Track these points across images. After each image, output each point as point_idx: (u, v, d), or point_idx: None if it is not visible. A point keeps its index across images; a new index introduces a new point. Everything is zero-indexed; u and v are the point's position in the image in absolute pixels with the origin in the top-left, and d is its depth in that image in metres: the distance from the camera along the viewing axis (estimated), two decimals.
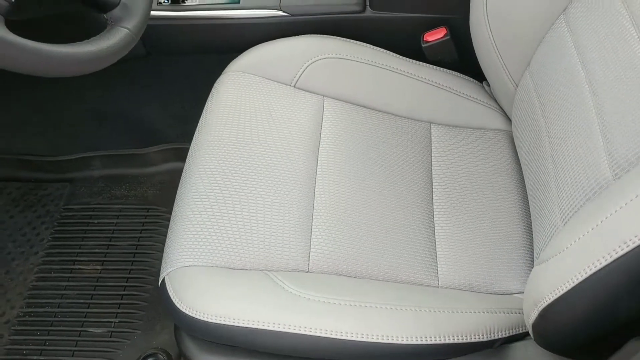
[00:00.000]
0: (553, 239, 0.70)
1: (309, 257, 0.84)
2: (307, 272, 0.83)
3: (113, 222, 1.24)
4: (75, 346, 1.08)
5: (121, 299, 1.13)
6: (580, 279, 0.57)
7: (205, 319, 0.75)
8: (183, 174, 0.93)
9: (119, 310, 1.12)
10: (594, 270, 0.56)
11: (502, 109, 1.05)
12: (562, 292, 0.59)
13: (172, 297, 0.78)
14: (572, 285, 0.57)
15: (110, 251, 1.20)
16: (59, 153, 1.32)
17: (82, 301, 1.13)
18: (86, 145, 1.32)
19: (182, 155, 1.29)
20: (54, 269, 1.18)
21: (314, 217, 0.87)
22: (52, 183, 1.31)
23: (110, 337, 1.09)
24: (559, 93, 0.82)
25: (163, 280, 0.81)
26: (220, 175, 0.89)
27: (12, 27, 0.65)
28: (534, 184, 0.86)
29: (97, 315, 1.11)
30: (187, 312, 0.76)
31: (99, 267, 1.18)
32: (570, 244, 0.60)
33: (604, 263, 0.55)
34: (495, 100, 1.06)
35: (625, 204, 0.55)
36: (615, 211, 0.55)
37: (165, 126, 1.30)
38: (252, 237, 0.84)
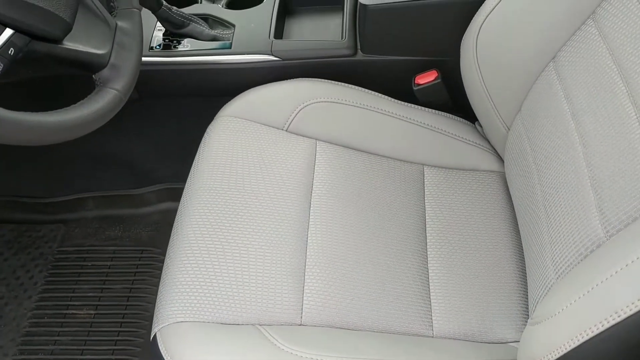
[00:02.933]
0: (547, 295, 0.70)
1: (302, 309, 0.83)
2: (300, 325, 0.82)
3: (107, 265, 1.24)
4: None
5: (115, 345, 1.12)
6: (573, 345, 0.56)
7: None
8: (175, 223, 0.92)
9: (113, 357, 1.11)
10: (585, 338, 0.55)
11: (494, 149, 1.05)
12: (554, 358, 0.58)
13: (163, 354, 0.78)
14: (564, 352, 0.57)
15: (104, 295, 1.19)
16: (52, 194, 1.32)
17: (75, 347, 1.12)
18: (80, 186, 1.32)
19: (176, 195, 1.29)
20: (48, 314, 1.17)
21: (306, 267, 0.86)
22: (45, 224, 1.31)
23: None
24: (550, 142, 0.82)
25: (155, 336, 0.81)
26: (212, 226, 0.88)
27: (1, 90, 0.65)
28: (527, 231, 0.86)
29: None
30: None
31: (92, 312, 1.17)
32: (563, 309, 0.60)
33: (596, 332, 0.54)
34: (488, 141, 1.06)
35: (616, 272, 0.54)
36: (607, 279, 0.55)
37: (158, 167, 1.30)
38: (244, 290, 0.83)
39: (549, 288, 0.71)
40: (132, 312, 1.16)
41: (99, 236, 1.28)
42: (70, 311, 1.17)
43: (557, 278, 0.71)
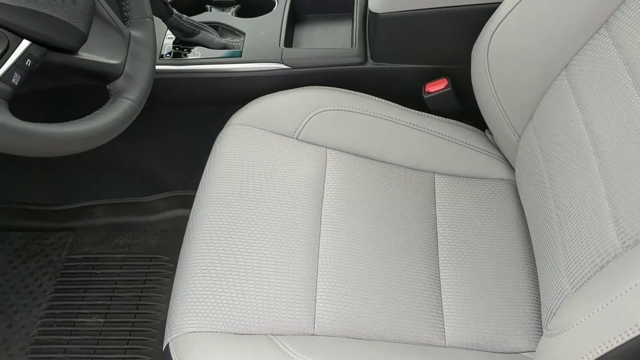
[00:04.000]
0: (562, 306, 0.69)
1: (315, 319, 0.83)
2: (313, 334, 0.82)
3: (116, 272, 1.23)
4: None
5: (124, 353, 1.12)
6: (591, 358, 0.56)
7: None
8: (186, 231, 0.92)
9: None
10: (604, 351, 0.55)
11: (505, 157, 1.05)
12: None
13: None
14: None
15: (113, 303, 1.19)
16: (61, 202, 1.32)
17: (84, 356, 1.12)
18: (89, 193, 1.32)
19: (185, 202, 1.30)
20: (57, 322, 1.17)
21: (318, 276, 0.86)
22: (54, 232, 1.31)
23: None
24: (564, 151, 0.82)
25: (167, 346, 0.80)
26: (224, 235, 0.88)
27: (16, 100, 0.65)
28: (540, 240, 0.86)
29: None
30: None
31: (102, 320, 1.17)
32: (580, 321, 0.59)
33: (615, 345, 0.54)
34: (499, 149, 1.06)
35: (636, 285, 0.54)
36: (625, 291, 0.55)
37: (168, 174, 1.30)
38: (256, 300, 0.83)
39: (564, 299, 0.70)
40: (142, 320, 1.16)
41: (108, 244, 1.28)
42: (80, 319, 1.17)
43: (572, 289, 0.70)
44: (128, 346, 1.13)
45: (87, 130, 0.66)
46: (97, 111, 0.70)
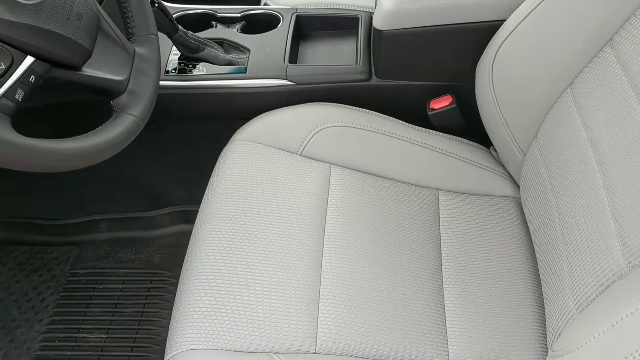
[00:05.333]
0: (568, 327, 0.68)
1: (317, 337, 0.82)
2: (315, 353, 0.81)
3: (119, 288, 1.23)
4: None
5: None
6: None
7: None
8: (188, 248, 0.92)
9: None
10: None
11: (509, 174, 1.05)
12: None
13: None
14: None
15: (116, 318, 1.18)
16: (65, 216, 1.32)
17: None
18: (92, 208, 1.32)
19: (189, 217, 1.30)
20: (58, 338, 1.17)
21: (320, 294, 0.86)
22: (58, 246, 1.31)
23: None
24: (568, 169, 0.81)
25: None
26: (227, 251, 0.88)
27: (18, 115, 0.65)
28: (545, 259, 0.85)
29: None
30: None
31: (103, 336, 1.16)
32: (586, 342, 0.58)
33: None
34: (503, 166, 1.05)
35: None
36: (631, 313, 0.54)
37: (171, 189, 1.30)
38: (258, 318, 0.82)
39: (570, 319, 0.69)
40: (144, 337, 1.16)
41: (111, 259, 1.28)
42: (81, 335, 1.16)
43: (578, 309, 0.69)
44: None
45: (89, 146, 0.66)
46: (100, 127, 0.70)
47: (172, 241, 1.30)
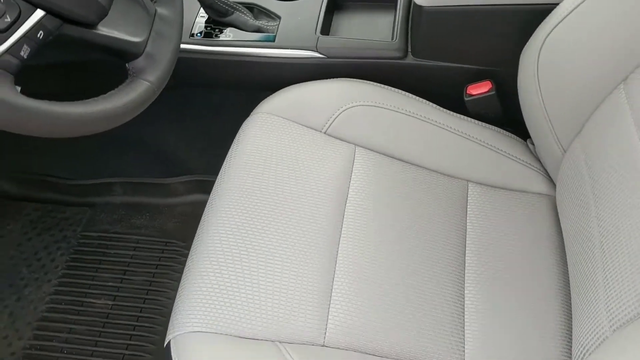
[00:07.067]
0: (600, 347, 0.63)
1: (326, 329, 0.78)
2: (323, 345, 0.77)
3: (129, 254, 1.20)
4: None
5: (129, 339, 1.09)
6: None
7: None
8: (201, 222, 0.88)
9: (126, 352, 1.07)
10: None
11: (546, 171, 0.98)
12: None
13: None
14: None
15: (124, 285, 1.16)
16: (81, 176, 1.29)
17: (89, 338, 1.09)
18: (109, 170, 1.29)
19: (206, 187, 1.26)
20: (65, 300, 1.15)
21: (334, 284, 0.81)
22: (72, 207, 1.28)
23: None
24: (614, 173, 0.74)
25: (169, 343, 0.76)
26: (239, 231, 0.84)
27: (27, 74, 0.60)
28: (578, 267, 0.79)
29: (104, 355, 1.07)
30: None
31: (110, 303, 1.14)
32: None
33: None
34: (540, 161, 0.98)
35: None
36: None
37: (190, 158, 1.26)
38: (266, 303, 0.78)
39: (603, 339, 0.64)
40: (150, 307, 1.13)
41: (124, 223, 1.25)
42: (88, 299, 1.14)
43: (612, 327, 0.63)
44: (134, 332, 1.10)
45: (98, 111, 0.61)
46: (112, 91, 0.65)
47: (188, 210, 1.26)
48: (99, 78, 0.72)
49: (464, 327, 0.81)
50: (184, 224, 1.24)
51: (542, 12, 0.86)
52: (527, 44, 0.89)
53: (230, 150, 0.95)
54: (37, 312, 1.13)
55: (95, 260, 1.20)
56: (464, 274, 0.86)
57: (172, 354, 0.75)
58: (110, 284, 1.16)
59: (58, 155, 1.28)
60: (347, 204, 0.89)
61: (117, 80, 0.68)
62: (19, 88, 0.59)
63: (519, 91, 0.93)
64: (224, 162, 0.94)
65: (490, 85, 0.98)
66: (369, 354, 0.77)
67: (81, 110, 0.59)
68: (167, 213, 1.26)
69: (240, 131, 0.97)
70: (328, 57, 1.01)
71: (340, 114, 0.97)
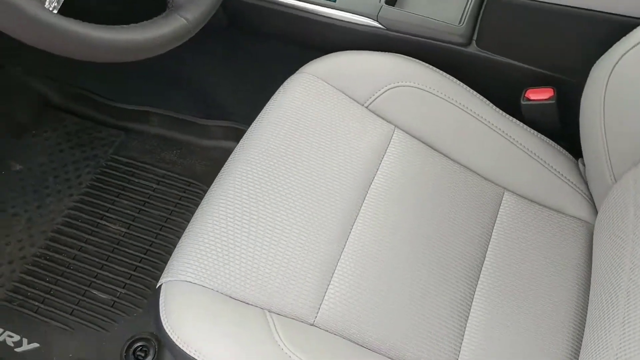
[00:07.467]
0: None
1: (319, 309, 0.75)
2: (312, 325, 0.74)
3: (152, 187, 1.20)
4: (77, 304, 1.05)
5: (134, 270, 1.09)
6: None
7: (181, 347, 0.69)
8: (221, 172, 0.86)
9: (128, 281, 1.08)
10: None
11: (590, 196, 0.91)
12: None
13: (160, 309, 0.72)
14: None
15: (140, 216, 1.16)
16: (121, 100, 1.29)
17: (97, 259, 1.10)
18: (150, 99, 1.28)
19: (240, 136, 1.22)
20: (82, 218, 1.15)
21: (338, 265, 0.78)
22: (107, 127, 1.28)
23: (112, 306, 1.05)
24: None
25: (160, 286, 0.75)
26: (254, 190, 0.81)
27: None
28: (598, 304, 0.73)
29: (106, 280, 1.08)
30: (168, 331, 0.70)
31: (123, 230, 1.14)
32: None
33: None
34: (586, 185, 0.92)
35: None
36: None
37: (230, 104, 1.23)
38: (264, 269, 0.76)
39: None
40: (160, 243, 1.13)
41: (154, 155, 1.24)
42: (104, 222, 1.15)
43: None
44: (140, 264, 1.10)
45: (126, 40, 0.58)
46: (146, 21, 0.62)
47: (218, 155, 1.25)
48: (136, 5, 0.69)
49: (462, 341, 0.77)
50: (212, 168, 1.22)
51: (625, 26, 0.78)
52: (601, 57, 0.81)
53: (267, 104, 0.92)
54: (53, 224, 1.14)
55: (119, 186, 1.20)
56: (476, 285, 0.81)
57: (160, 297, 0.74)
58: (127, 211, 1.16)
59: (104, 75, 1.28)
60: (372, 185, 0.85)
61: (155, 11, 0.65)
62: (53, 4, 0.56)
63: (581, 107, 0.86)
64: (258, 116, 0.91)
65: (552, 93, 0.91)
66: (357, 344, 0.74)
67: (107, 35, 0.57)
68: (198, 154, 1.25)
69: (281, 87, 0.94)
70: (387, 29, 0.95)
71: (386, 90, 0.92)
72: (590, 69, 0.83)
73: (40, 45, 0.55)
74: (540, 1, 0.85)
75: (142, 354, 0.99)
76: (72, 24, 0.55)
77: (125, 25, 0.60)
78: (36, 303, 1.05)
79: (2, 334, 1.01)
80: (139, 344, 0.99)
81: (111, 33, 0.57)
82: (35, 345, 1.00)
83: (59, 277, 1.08)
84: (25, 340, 1.01)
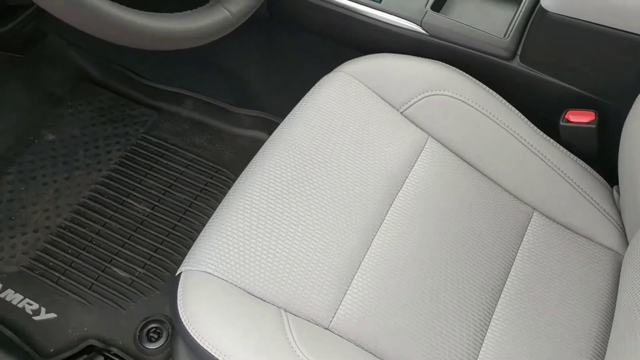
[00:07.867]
0: None
1: (335, 313, 0.75)
2: (326, 329, 0.74)
3: (180, 170, 1.20)
4: (96, 279, 1.06)
5: (155, 252, 1.10)
6: None
7: (195, 337, 0.69)
8: (249, 165, 0.85)
9: (148, 262, 1.09)
10: None
11: (623, 226, 0.89)
12: None
13: (178, 298, 0.73)
14: None
15: (165, 198, 1.16)
16: (157, 80, 1.29)
17: (119, 237, 1.11)
18: (186, 82, 1.28)
19: (271, 127, 1.22)
20: (108, 194, 1.16)
21: (358, 271, 0.77)
22: (141, 106, 1.29)
23: (130, 285, 1.06)
24: None
25: (180, 274, 0.76)
26: (281, 187, 0.81)
27: None
28: (619, 340, 0.71)
29: (127, 258, 1.09)
30: (183, 321, 0.71)
31: (148, 210, 1.15)
32: None
33: None
34: (619, 214, 0.89)
35: None
36: None
37: (264, 94, 1.23)
38: (284, 269, 0.75)
39: None
40: (183, 227, 1.13)
41: (185, 138, 1.25)
42: (129, 200, 1.16)
43: None
44: (161, 246, 1.10)
45: (161, 29, 0.57)
46: (188, 11, 0.61)
47: (248, 145, 1.25)
48: None
49: (477, 358, 0.76)
50: (241, 156, 1.22)
51: None
52: None
53: (301, 100, 0.91)
54: (80, 197, 1.16)
55: (147, 165, 1.20)
56: (495, 306, 0.80)
57: (179, 284, 0.74)
58: (153, 191, 1.17)
59: (144, 54, 1.27)
60: (399, 194, 0.84)
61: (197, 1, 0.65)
62: None
63: (622, 134, 0.83)
64: (291, 111, 0.90)
65: (594, 117, 0.89)
66: (370, 353, 0.74)
67: (142, 22, 0.56)
68: (228, 141, 1.25)
69: (317, 85, 0.93)
70: (430, 35, 0.94)
71: (423, 97, 0.90)
72: (636, 96, 0.81)
73: (78, 25, 0.55)
74: (589, 21, 0.82)
75: (155, 336, 1.00)
76: (107, 5, 0.54)
77: (168, 14, 0.59)
78: (57, 274, 1.06)
79: (22, 300, 1.03)
80: (153, 325, 1.00)
81: (147, 19, 0.56)
82: (53, 315, 1.02)
83: (81, 251, 1.09)
84: (43, 310, 1.02)
